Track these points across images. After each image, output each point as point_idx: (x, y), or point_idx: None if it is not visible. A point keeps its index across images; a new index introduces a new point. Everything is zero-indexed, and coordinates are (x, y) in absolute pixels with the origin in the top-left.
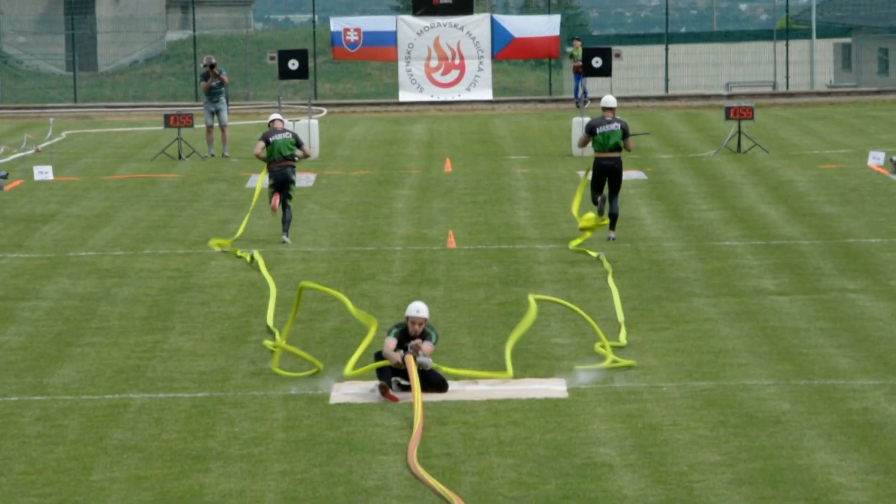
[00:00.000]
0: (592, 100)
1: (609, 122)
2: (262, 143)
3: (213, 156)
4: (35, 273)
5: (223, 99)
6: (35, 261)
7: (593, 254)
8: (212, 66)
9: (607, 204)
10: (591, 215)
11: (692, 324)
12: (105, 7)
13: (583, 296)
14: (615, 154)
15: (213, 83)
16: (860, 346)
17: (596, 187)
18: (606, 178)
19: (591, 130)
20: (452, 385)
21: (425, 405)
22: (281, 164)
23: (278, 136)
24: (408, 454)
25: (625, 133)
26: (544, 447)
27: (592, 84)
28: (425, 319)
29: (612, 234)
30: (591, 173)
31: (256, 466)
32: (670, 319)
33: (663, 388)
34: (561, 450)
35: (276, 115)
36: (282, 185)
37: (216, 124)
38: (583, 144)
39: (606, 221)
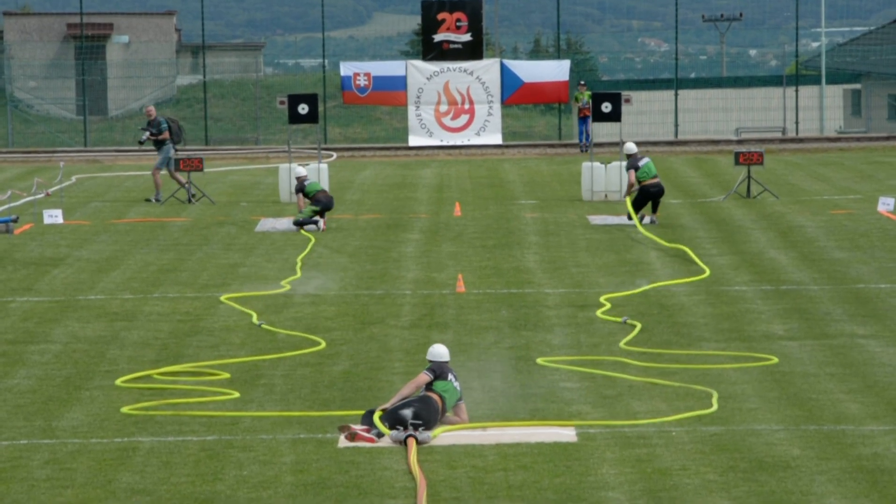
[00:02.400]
0: (597, 145)
1: (641, 158)
2: (300, 196)
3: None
4: (44, 316)
5: (164, 147)
6: (45, 304)
7: (618, 320)
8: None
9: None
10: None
11: (699, 368)
12: (115, 52)
13: (592, 339)
14: (657, 179)
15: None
16: (870, 391)
17: (639, 207)
18: (653, 198)
19: (634, 167)
20: (462, 430)
21: (433, 448)
22: (322, 192)
23: (307, 181)
24: (418, 500)
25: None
26: (553, 491)
27: (602, 129)
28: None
29: (656, 218)
30: (635, 197)
31: None
32: (679, 363)
33: (672, 433)
34: (570, 494)
35: (301, 170)
36: (328, 207)
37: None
38: (632, 179)
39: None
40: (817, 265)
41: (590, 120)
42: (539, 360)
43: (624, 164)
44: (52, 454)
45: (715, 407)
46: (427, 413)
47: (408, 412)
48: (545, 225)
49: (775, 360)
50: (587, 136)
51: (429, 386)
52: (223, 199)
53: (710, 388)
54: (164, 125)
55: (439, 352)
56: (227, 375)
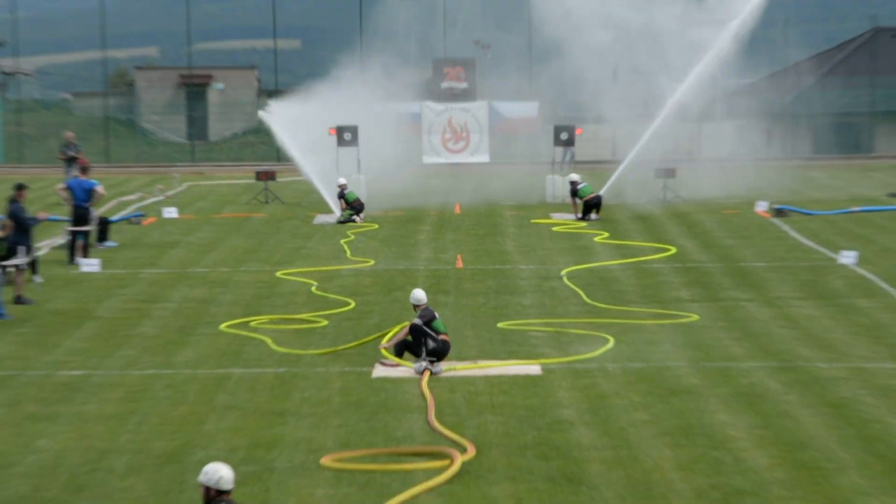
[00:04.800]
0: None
1: (580, 183)
2: (341, 201)
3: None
4: (164, 283)
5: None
6: (164, 274)
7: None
8: (67, 145)
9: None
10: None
11: (628, 322)
12: (213, 95)
13: (553, 300)
14: (594, 193)
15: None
16: (748, 339)
17: (586, 212)
18: (594, 206)
19: (574, 192)
20: (461, 365)
21: (438, 378)
22: (357, 200)
23: (346, 190)
24: (428, 414)
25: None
26: (524, 409)
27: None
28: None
29: (598, 216)
30: (582, 208)
31: (320, 421)
32: (614, 317)
33: (609, 368)
34: (536, 411)
35: (343, 180)
36: (360, 210)
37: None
38: (574, 195)
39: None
40: (713, 249)
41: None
42: (499, 325)
43: (573, 175)
44: (171, 381)
45: (611, 343)
46: (444, 349)
47: (432, 344)
48: (519, 220)
49: (696, 317)
50: (572, 155)
51: (427, 324)
52: (290, 201)
53: (631, 335)
54: None
55: (421, 296)
56: (325, 322)
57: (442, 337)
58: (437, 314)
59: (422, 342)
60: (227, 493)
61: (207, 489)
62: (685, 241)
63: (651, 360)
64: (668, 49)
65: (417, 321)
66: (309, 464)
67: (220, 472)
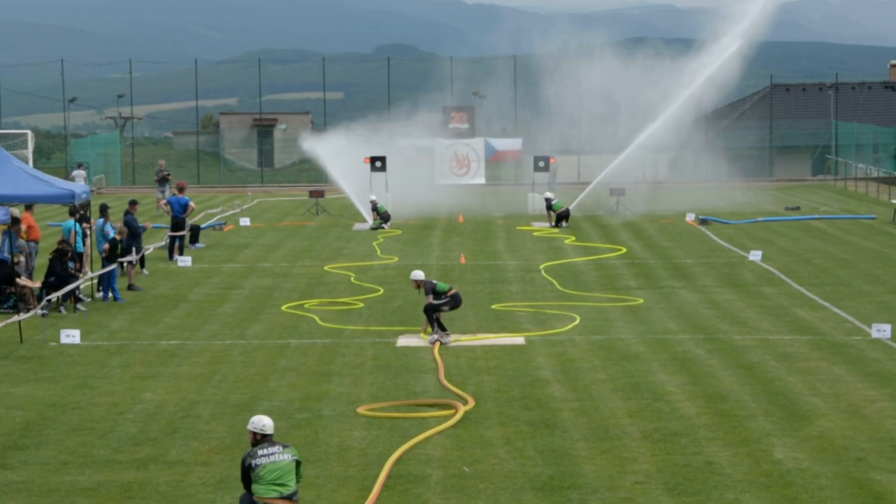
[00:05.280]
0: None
1: (553, 199)
2: (374, 214)
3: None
4: (239, 275)
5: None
6: (240, 268)
7: (554, 280)
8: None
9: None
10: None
11: (591, 305)
12: (278, 133)
13: (533, 288)
14: (565, 207)
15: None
16: (681, 317)
17: (558, 221)
18: (564, 217)
19: (549, 207)
20: (464, 337)
21: (446, 348)
22: (385, 212)
23: (378, 204)
24: (439, 374)
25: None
26: (512, 370)
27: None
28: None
29: (567, 224)
30: (555, 218)
31: (356, 380)
32: (579, 300)
33: (576, 339)
34: (520, 371)
35: (374, 197)
36: (388, 219)
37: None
38: (549, 208)
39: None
40: (654, 249)
41: (556, 172)
42: (493, 306)
43: (548, 194)
44: (244, 349)
45: (577, 321)
46: (456, 302)
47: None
48: (508, 227)
49: (641, 300)
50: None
51: (433, 291)
52: (335, 213)
53: (592, 315)
54: None
55: (418, 274)
56: (360, 305)
57: (451, 293)
58: (435, 281)
59: (433, 318)
60: (269, 436)
61: (254, 434)
62: (633, 243)
63: (608, 334)
64: (637, 94)
65: (428, 303)
66: (348, 412)
67: (263, 421)
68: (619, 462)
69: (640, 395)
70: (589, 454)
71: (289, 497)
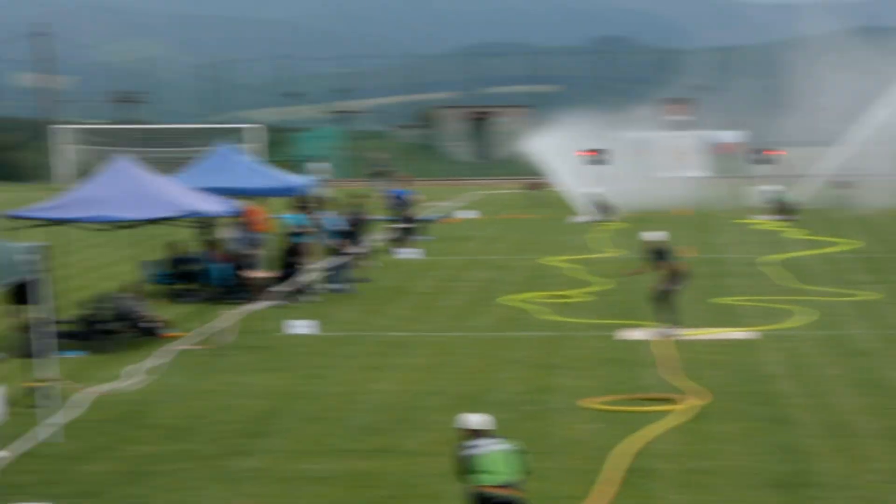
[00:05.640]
0: None
1: (781, 192)
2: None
3: None
4: (461, 267)
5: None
6: (461, 260)
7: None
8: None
9: None
10: None
11: (823, 300)
12: (496, 126)
13: (757, 281)
14: (796, 201)
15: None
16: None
17: (786, 216)
18: (792, 212)
19: (776, 198)
20: (691, 333)
21: (674, 342)
22: (605, 205)
23: (602, 196)
24: (669, 369)
25: None
26: (738, 366)
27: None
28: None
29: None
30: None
31: (580, 373)
32: (808, 295)
33: (805, 335)
34: (748, 366)
35: (597, 189)
36: (607, 211)
37: None
38: (775, 201)
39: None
40: (888, 244)
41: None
42: (714, 300)
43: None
44: (473, 340)
45: (812, 316)
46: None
47: None
48: (730, 220)
49: (880, 295)
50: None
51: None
52: (552, 206)
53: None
54: None
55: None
56: (577, 298)
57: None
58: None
59: (666, 308)
60: (484, 431)
61: (464, 430)
62: (866, 237)
63: (839, 329)
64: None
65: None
66: (572, 405)
67: (471, 419)
68: (857, 460)
69: (875, 392)
70: (824, 451)
71: (509, 486)
